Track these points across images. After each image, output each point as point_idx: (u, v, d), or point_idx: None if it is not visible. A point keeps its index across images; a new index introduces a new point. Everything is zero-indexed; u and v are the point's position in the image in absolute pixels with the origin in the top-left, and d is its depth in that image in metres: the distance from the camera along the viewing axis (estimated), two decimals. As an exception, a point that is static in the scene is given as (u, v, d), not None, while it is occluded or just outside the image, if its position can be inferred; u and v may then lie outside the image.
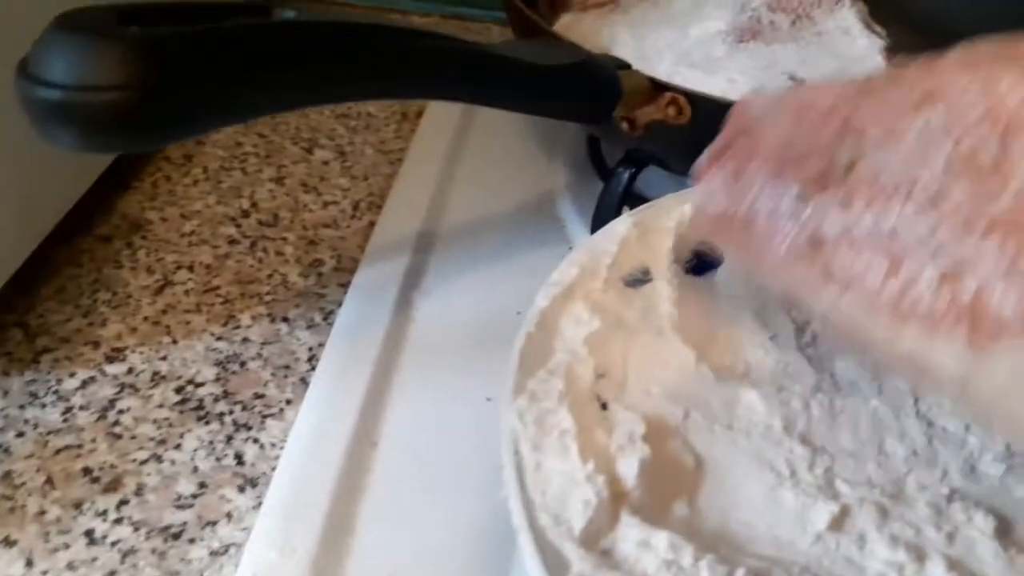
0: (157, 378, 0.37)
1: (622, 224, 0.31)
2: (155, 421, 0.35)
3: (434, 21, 0.73)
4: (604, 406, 0.25)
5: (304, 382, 0.37)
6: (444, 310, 0.41)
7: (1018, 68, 0.21)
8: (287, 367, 0.38)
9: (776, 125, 0.22)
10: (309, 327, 0.40)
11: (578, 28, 0.46)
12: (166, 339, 0.39)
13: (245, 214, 0.47)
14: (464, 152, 0.54)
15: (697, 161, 0.23)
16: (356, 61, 0.24)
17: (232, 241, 0.45)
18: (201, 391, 0.37)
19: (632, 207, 0.46)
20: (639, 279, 0.31)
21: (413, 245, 0.45)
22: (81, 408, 0.35)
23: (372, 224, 0.47)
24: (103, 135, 0.21)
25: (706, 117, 0.36)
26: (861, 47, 0.40)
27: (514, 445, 0.23)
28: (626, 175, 0.43)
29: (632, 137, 0.39)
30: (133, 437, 0.34)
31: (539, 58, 0.31)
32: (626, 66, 0.36)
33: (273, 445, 0.35)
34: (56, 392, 0.36)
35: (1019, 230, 0.18)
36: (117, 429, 0.35)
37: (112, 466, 0.33)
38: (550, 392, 0.24)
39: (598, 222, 0.45)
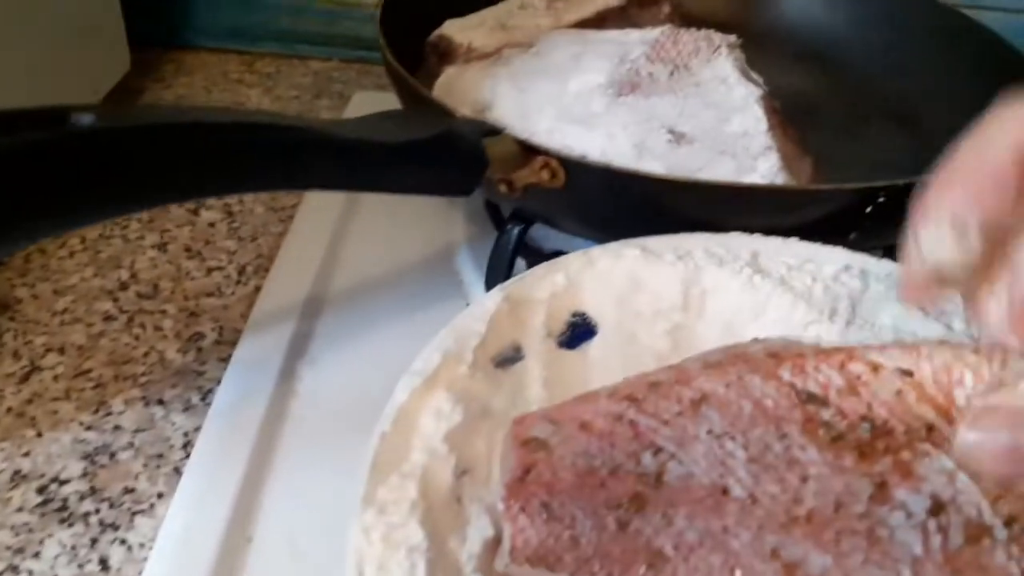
0: (18, 478, 0.35)
1: (491, 300, 0.30)
2: (13, 527, 0.33)
3: (335, 65, 0.71)
4: (466, 507, 0.24)
5: (178, 472, 0.35)
6: (331, 380, 0.40)
7: (757, 369, 0.24)
8: (160, 456, 0.36)
9: (567, 443, 0.22)
10: (185, 409, 0.38)
11: (461, 81, 0.45)
12: (30, 432, 0.37)
13: (124, 286, 0.45)
14: (360, 205, 0.52)
15: (498, 493, 0.23)
16: (168, 166, 0.23)
17: (108, 317, 0.43)
18: (66, 489, 0.34)
19: (527, 260, 0.46)
20: (509, 358, 0.30)
21: (300, 310, 0.44)
22: (-70, 518, 0.33)
23: (258, 289, 0.45)
24: None
25: (580, 180, 0.36)
26: (738, 96, 0.39)
27: (358, 567, 0.21)
28: (516, 231, 0.42)
29: (512, 198, 0.38)
30: (-13, 548, 0.32)
31: (396, 134, 0.29)
32: (496, 131, 0.35)
33: (142, 546, 0.33)
34: (-98, 502, 0.33)
35: (832, 522, 0.21)
36: (-30, 540, 0.32)
37: (-40, 584, 0.31)
38: (401, 502, 0.23)
39: (491, 278, 0.44)
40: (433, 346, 0.28)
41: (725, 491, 0.21)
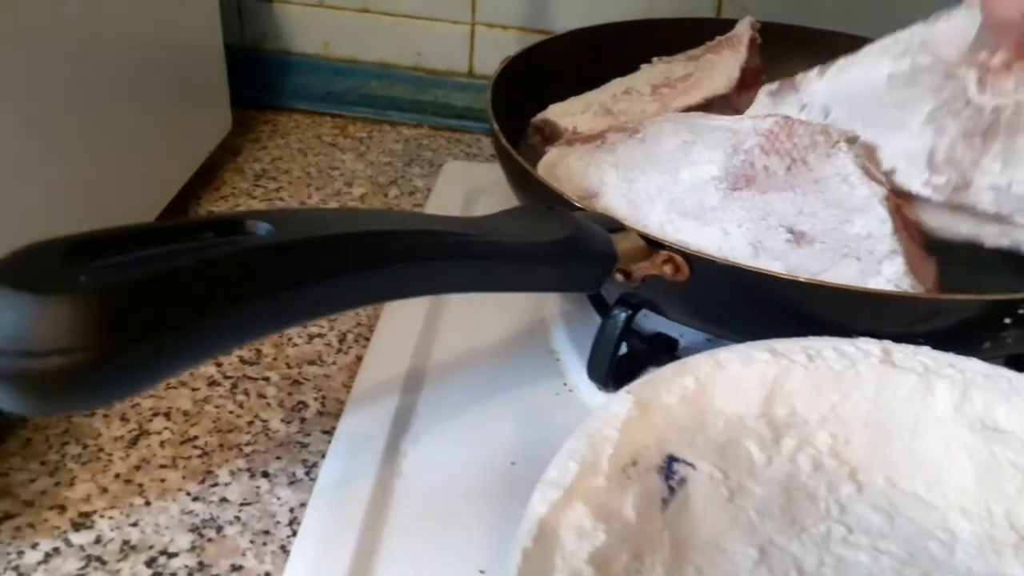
0: (127, 548, 0.35)
1: (620, 405, 0.30)
2: (123, 601, 0.33)
3: (424, 132, 0.72)
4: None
5: (284, 550, 0.35)
6: (433, 460, 0.39)
7: None
8: (267, 532, 0.36)
9: None
10: (291, 483, 0.38)
11: (565, 164, 0.45)
12: (138, 500, 0.37)
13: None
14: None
15: None
16: (336, 278, 0.23)
17: (212, 383, 0.43)
18: (174, 563, 0.34)
19: (628, 342, 0.45)
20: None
21: (401, 384, 0.44)
22: (43, 586, 0.33)
23: (359, 359, 0.46)
24: (45, 402, 0.19)
25: (705, 276, 0.35)
26: (861, 196, 0.39)
27: None
28: (623, 316, 0.42)
29: (627, 287, 0.38)
30: (98, 621, 0.32)
31: (527, 233, 0.29)
32: (619, 227, 0.35)
33: (250, 628, 0.32)
34: (16, 568, 0.33)
35: None
36: (81, 612, 0.32)
37: (74, 660, 0.31)
38: (551, 625, 0.22)
39: (594, 363, 0.44)
40: (567, 454, 0.28)
41: None
